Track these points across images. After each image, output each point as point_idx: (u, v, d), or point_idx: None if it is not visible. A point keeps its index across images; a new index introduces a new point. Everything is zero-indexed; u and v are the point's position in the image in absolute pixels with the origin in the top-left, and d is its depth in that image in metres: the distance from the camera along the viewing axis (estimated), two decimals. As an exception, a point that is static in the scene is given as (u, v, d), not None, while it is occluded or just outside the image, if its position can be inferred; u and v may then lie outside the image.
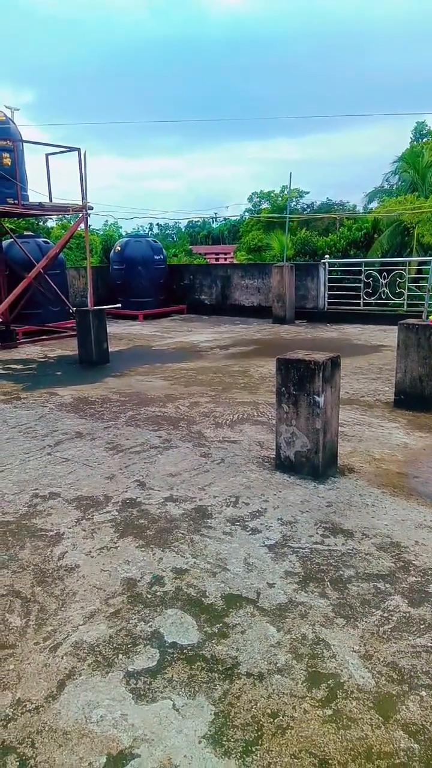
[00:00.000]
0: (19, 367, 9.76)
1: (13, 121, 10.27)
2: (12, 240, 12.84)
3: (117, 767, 2.08)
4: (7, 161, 9.62)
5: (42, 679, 2.51)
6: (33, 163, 10.94)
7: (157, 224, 75.79)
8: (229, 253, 56.87)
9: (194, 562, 3.42)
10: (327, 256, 15.86)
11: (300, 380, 4.41)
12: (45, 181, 11.11)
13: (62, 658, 2.64)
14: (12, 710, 2.35)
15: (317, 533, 3.73)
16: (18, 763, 2.10)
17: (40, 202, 10.30)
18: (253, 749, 2.15)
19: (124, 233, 36.33)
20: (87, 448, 5.46)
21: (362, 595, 3.06)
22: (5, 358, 10.47)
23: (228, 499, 4.26)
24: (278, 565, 3.36)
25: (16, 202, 9.72)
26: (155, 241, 16.98)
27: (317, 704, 2.34)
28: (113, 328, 10.81)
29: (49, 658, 2.63)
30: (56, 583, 3.24)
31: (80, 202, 10.18)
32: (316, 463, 4.51)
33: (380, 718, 2.27)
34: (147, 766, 2.09)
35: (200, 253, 50.76)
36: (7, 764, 2.10)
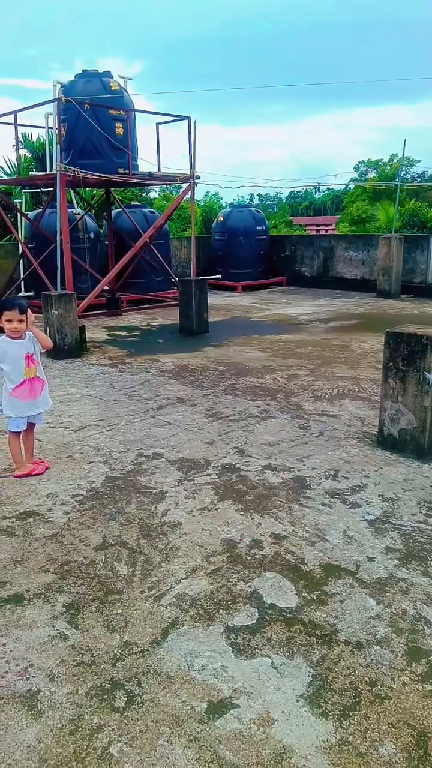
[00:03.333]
0: (123, 333, 10.12)
1: (126, 91, 10.46)
2: (120, 210, 13.20)
3: (218, 714, 2.18)
4: (120, 131, 9.84)
5: (147, 626, 2.66)
6: (141, 132, 11.12)
7: (258, 195, 75.05)
8: (331, 225, 55.37)
9: (293, 530, 3.45)
10: (438, 228, 15.06)
11: (410, 355, 4.26)
12: (152, 150, 11.30)
13: (166, 607, 2.77)
14: (120, 651, 2.51)
15: (420, 512, 3.64)
16: (126, 699, 2.26)
17: (149, 172, 10.48)
18: (351, 714, 2.17)
19: (224, 204, 36.32)
20: (188, 414, 5.61)
21: (467, 577, 2.97)
22: (111, 325, 10.88)
23: (327, 472, 4.25)
24: (379, 540, 3.33)
25: (127, 171, 9.95)
26: (258, 211, 16.83)
27: (417, 678, 2.32)
28: (212, 298, 10.91)
29: (153, 607, 2.78)
30: (160, 537, 3.39)
31: (188, 172, 10.25)
32: (422, 442, 4.38)
33: None
34: (246, 716, 2.17)
35: (300, 224, 49.79)
36: (116, 698, 2.26)
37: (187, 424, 5.32)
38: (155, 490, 4.00)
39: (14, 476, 4.20)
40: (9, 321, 3.93)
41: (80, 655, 2.47)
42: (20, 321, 3.95)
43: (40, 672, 2.39)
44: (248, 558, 3.17)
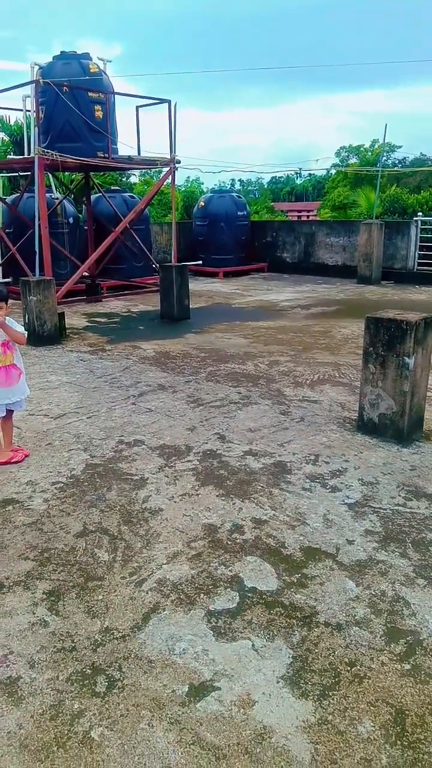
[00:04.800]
0: (103, 320, 10.04)
1: (105, 73, 10.28)
2: (100, 194, 13.03)
3: (199, 696, 2.19)
4: (99, 114, 9.68)
5: (128, 611, 2.66)
6: (120, 116, 10.96)
7: (239, 180, 74.66)
8: (312, 211, 55.29)
9: (273, 514, 3.47)
10: (419, 213, 15.12)
11: (390, 340, 4.29)
12: (131, 134, 11.15)
13: (147, 593, 2.78)
14: (101, 636, 2.51)
15: (399, 495, 3.68)
16: (107, 684, 2.26)
17: (129, 156, 10.35)
18: (330, 694, 2.20)
19: (206, 189, 36.05)
20: (169, 400, 5.59)
21: (445, 558, 3.01)
22: (91, 311, 10.78)
23: (307, 457, 4.27)
24: (358, 523, 3.36)
25: (106, 155, 9.81)
26: (239, 197, 16.74)
27: (395, 658, 2.36)
28: (193, 285, 10.87)
29: (134, 592, 2.78)
30: (141, 523, 3.39)
31: (168, 156, 10.15)
32: (401, 426, 4.42)
33: (460, 678, 2.26)
34: (227, 698, 2.19)
35: (282, 210, 49.63)
36: (97, 683, 2.26)
37: (169, 410, 5.31)
38: (136, 477, 3.99)
39: (-7, 464, 4.16)
40: None
41: (61, 642, 2.47)
42: None
43: (21, 659, 2.38)
44: (229, 543, 3.18)
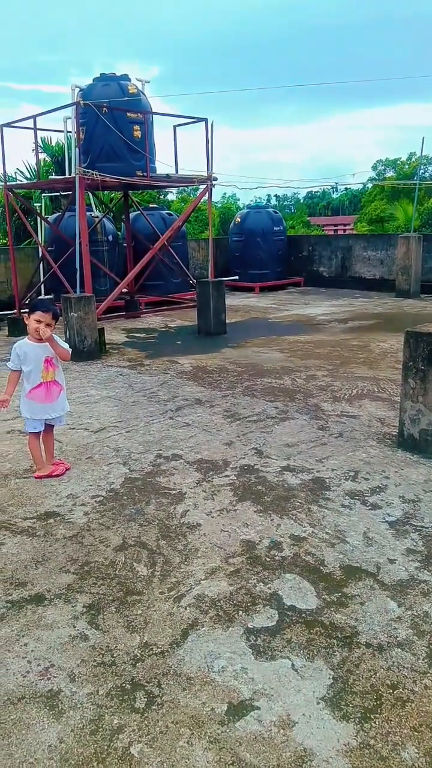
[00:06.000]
0: (142, 335, 10.16)
1: (143, 94, 10.50)
2: (138, 212, 13.26)
3: (238, 716, 2.17)
4: (138, 133, 9.87)
5: (167, 626, 2.66)
6: (157, 134, 11.16)
7: (275, 196, 74.87)
8: (349, 225, 55.01)
9: (312, 531, 3.43)
10: (458, 226, 14.89)
11: (430, 355, 4.22)
12: (168, 153, 11.33)
13: (185, 608, 2.77)
14: (140, 651, 2.51)
15: (441, 513, 3.60)
16: (146, 700, 2.26)
17: (167, 174, 10.52)
18: (372, 717, 2.15)
19: (242, 205, 36.30)
20: (206, 415, 5.61)
21: None
22: (129, 327, 10.94)
23: (347, 473, 4.22)
24: (399, 542, 3.30)
25: (144, 174, 9.99)
26: (275, 212, 16.79)
27: (440, 683, 2.30)
28: (229, 300, 10.92)
29: (173, 608, 2.78)
30: (179, 538, 3.39)
31: (205, 173, 10.27)
32: (442, 442, 4.33)
33: None
34: (266, 718, 2.16)
35: (318, 225, 49.57)
36: (136, 699, 2.26)
37: (206, 425, 5.33)
38: (174, 491, 4.00)
39: (35, 477, 4.24)
40: (38, 321, 3.97)
41: (101, 656, 2.48)
42: (47, 326, 3.99)
43: (61, 672, 2.40)
44: (267, 559, 3.16)
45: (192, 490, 4.01)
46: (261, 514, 3.65)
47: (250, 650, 2.50)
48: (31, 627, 2.67)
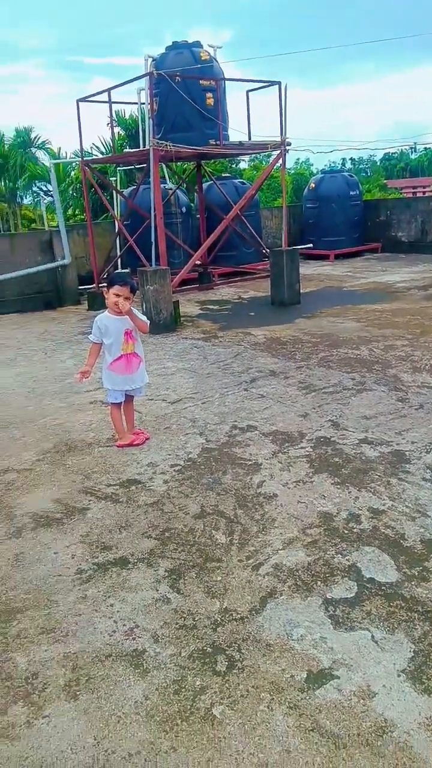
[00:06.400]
0: (215, 307, 10.18)
1: (216, 60, 10.31)
2: (211, 182, 13.16)
3: (317, 684, 2.20)
4: (210, 101, 9.73)
5: (246, 594, 2.71)
6: (229, 101, 10.92)
7: (350, 159, 72.28)
8: (428, 186, 52.41)
9: (392, 505, 3.38)
10: None
11: None
12: (239, 120, 11.12)
13: (264, 577, 2.81)
14: (220, 617, 2.58)
15: None
16: (227, 663, 2.32)
17: (240, 141, 10.34)
18: (456, 693, 2.12)
19: (315, 170, 35.29)
20: (281, 386, 5.58)
21: None
22: (203, 299, 10.98)
23: (428, 446, 4.10)
24: None
25: (218, 142, 9.87)
26: (351, 176, 16.22)
27: None
28: (303, 268, 10.69)
29: (251, 576, 2.83)
30: (256, 508, 3.43)
31: (278, 139, 10.01)
32: None
33: None
34: (346, 688, 2.17)
35: (396, 188, 47.55)
36: (217, 662, 2.33)
37: (280, 396, 5.31)
38: (250, 462, 4.04)
39: (117, 446, 4.39)
40: (117, 295, 4.06)
41: (182, 619, 2.57)
42: (126, 299, 4.07)
43: (145, 633, 2.50)
44: (345, 531, 3.14)
45: (268, 461, 4.03)
46: (338, 486, 3.63)
47: (329, 620, 2.51)
48: (117, 589, 2.79)
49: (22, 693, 2.24)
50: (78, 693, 2.22)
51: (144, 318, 4.25)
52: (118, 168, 14.09)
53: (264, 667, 2.30)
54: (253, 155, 27.04)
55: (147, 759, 1.94)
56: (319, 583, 2.75)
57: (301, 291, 9.94)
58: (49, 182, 16.04)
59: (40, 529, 3.36)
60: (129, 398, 4.42)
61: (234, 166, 26.35)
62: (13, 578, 2.92)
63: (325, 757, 1.91)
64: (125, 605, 2.68)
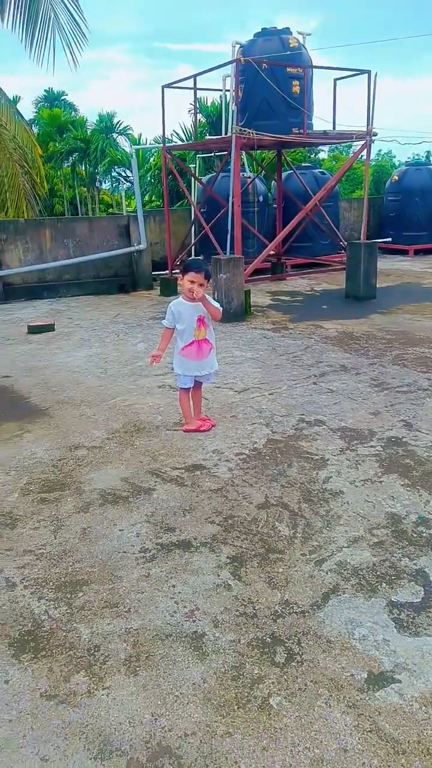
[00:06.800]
0: (287, 298, 10.08)
1: (305, 47, 10.13)
2: (290, 171, 13.00)
3: (378, 685, 2.15)
4: (297, 89, 9.58)
5: (308, 588, 2.68)
6: (315, 89, 10.72)
7: (436, 151, 69.48)
8: None
9: (464, 512, 3.25)
10: None
11: None
12: (324, 108, 10.88)
13: (326, 573, 2.77)
14: (281, 608, 2.56)
15: None
16: (286, 655, 2.31)
17: (324, 130, 10.15)
18: None
19: (397, 162, 34.18)
20: (351, 382, 5.47)
21: None
22: (275, 290, 10.89)
23: None
24: None
25: (301, 131, 9.72)
26: (437, 169, 15.60)
27: None
28: (380, 263, 10.40)
29: (314, 570, 2.79)
30: (321, 503, 3.38)
31: (364, 129, 9.76)
32: None
33: None
34: (408, 693, 2.12)
35: None
36: (276, 653, 2.32)
37: (351, 392, 5.20)
38: (316, 457, 3.98)
39: (183, 430, 4.43)
40: (191, 282, 4.07)
41: (243, 606, 2.57)
42: (200, 285, 4.08)
43: (206, 617, 2.52)
44: (414, 535, 3.05)
45: (335, 458, 3.96)
46: (408, 489, 3.52)
47: (393, 623, 2.45)
48: (179, 570, 2.82)
49: (84, 663, 2.31)
50: (138, 669, 2.26)
51: (217, 305, 4.25)
52: (198, 155, 14.13)
53: (323, 663, 2.26)
54: (334, 146, 26.48)
55: (203, 741, 1.96)
56: (384, 584, 2.68)
57: (378, 286, 9.69)
58: (129, 168, 16.30)
59: (108, 505, 3.44)
60: (198, 384, 4.44)
61: (313, 156, 25.92)
62: (79, 551, 3.01)
63: (383, 760, 1.87)
64: (187, 587, 2.70)
